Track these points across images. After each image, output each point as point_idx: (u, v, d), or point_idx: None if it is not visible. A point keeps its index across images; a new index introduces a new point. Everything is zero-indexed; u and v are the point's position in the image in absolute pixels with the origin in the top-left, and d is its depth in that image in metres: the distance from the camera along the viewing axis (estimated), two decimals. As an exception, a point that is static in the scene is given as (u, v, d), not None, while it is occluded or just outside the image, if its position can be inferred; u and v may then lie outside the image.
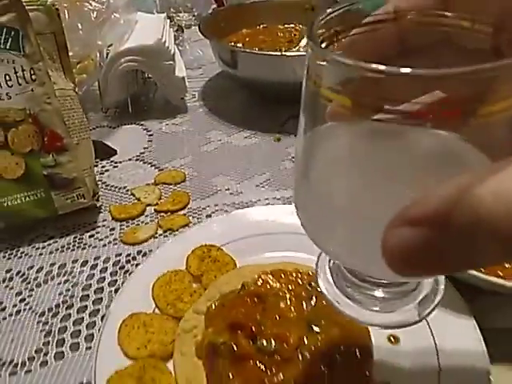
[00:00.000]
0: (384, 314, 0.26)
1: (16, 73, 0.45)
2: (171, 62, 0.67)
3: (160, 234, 0.50)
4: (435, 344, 0.36)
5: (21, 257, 0.47)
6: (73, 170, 0.47)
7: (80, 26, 0.58)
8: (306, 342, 0.34)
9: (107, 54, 0.68)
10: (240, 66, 0.68)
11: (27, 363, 0.37)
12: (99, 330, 0.39)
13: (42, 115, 0.46)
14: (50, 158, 0.47)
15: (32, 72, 0.45)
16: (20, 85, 0.45)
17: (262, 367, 0.32)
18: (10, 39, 0.45)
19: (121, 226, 0.51)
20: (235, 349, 0.33)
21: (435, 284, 0.26)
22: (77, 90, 0.52)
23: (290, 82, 0.67)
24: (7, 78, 0.45)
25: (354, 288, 0.26)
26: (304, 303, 0.38)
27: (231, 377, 0.32)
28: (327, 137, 0.23)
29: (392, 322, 0.26)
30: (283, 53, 0.64)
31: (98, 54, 0.66)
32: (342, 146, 0.23)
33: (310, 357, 0.33)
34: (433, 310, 0.26)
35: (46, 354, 0.38)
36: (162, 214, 0.53)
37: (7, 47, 0.45)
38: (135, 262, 0.46)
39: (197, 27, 0.80)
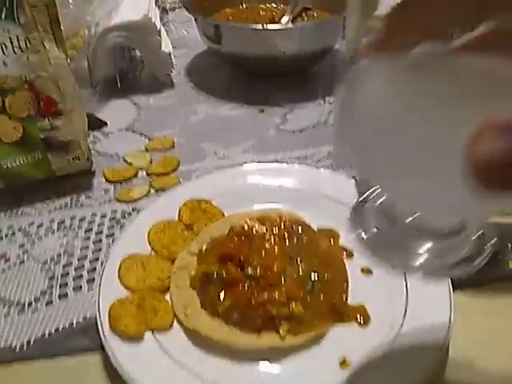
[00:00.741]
0: (429, 262, 0.25)
1: (12, 42, 0.48)
2: (158, 38, 0.70)
3: (152, 194, 0.53)
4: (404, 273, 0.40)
5: (21, 215, 0.50)
6: (68, 133, 0.50)
7: (71, 1, 0.61)
8: (288, 271, 0.38)
9: (95, 30, 0.70)
10: (224, 42, 0.71)
11: (33, 303, 0.41)
12: (100, 273, 0.43)
13: (37, 82, 0.49)
14: (46, 122, 0.50)
15: (27, 41, 0.48)
16: (16, 53, 0.48)
17: (249, 291, 0.36)
18: (5, 10, 0.48)
19: (115, 187, 0.54)
20: (225, 276, 0.36)
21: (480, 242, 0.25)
22: (68, 61, 0.55)
23: (272, 57, 0.71)
24: (3, 46, 0.48)
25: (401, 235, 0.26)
26: (286, 242, 0.42)
27: (222, 299, 0.36)
28: (372, 72, 0.22)
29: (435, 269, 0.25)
30: (265, 26, 0.67)
31: (87, 31, 0.68)
32: (394, 81, 0.22)
33: (292, 282, 0.37)
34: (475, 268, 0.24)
35: (50, 295, 0.41)
36: (153, 176, 0.56)
37: (2, 17, 0.48)
38: (131, 218, 0.50)
39: (181, 8, 0.82)
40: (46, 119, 0.49)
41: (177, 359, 0.33)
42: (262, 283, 0.36)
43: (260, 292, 0.36)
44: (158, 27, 0.71)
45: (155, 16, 0.73)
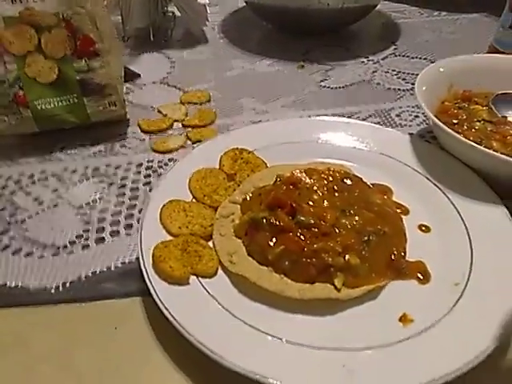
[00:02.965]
0: None
1: (48, -25, 0.45)
2: (195, -13, 0.67)
3: (189, 145, 0.51)
4: (466, 228, 0.37)
5: (53, 161, 0.48)
6: (105, 75, 0.48)
7: None
8: (342, 221, 0.35)
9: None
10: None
11: (69, 246, 0.39)
12: (138, 220, 0.41)
13: (74, 19, 0.46)
14: (83, 62, 0.47)
15: (65, -26, 0.45)
16: (53, -13, 0.45)
17: (302, 237, 0.33)
18: None
19: (150, 137, 0.52)
20: (275, 222, 0.34)
21: None
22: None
23: (315, 10, 0.67)
24: (40, -21, 0.45)
25: None
26: (336, 195, 0.38)
27: (272, 245, 0.33)
28: None
29: None
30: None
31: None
32: None
33: (347, 232, 0.34)
34: None
35: (86, 239, 0.39)
36: (189, 128, 0.54)
37: None
38: (167, 167, 0.47)
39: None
40: (83, 60, 0.47)
41: (224, 305, 0.31)
42: (314, 232, 0.33)
43: (313, 240, 0.33)
44: (196, -24, 0.67)
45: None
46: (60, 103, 0.47)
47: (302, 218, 0.34)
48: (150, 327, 0.32)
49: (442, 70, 0.49)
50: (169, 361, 0.31)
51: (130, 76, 0.63)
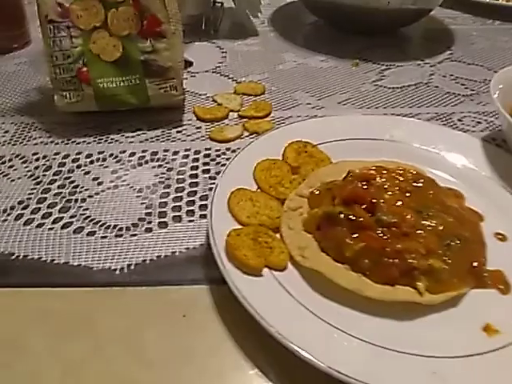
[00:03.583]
0: None
1: (120, -49, 0.44)
2: (252, -23, 0.66)
3: (246, 136, 0.49)
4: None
5: (111, 142, 0.48)
6: (169, 58, 0.47)
7: None
8: (422, 223, 0.33)
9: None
10: (321, -13, 0.66)
11: (131, 228, 0.38)
12: (199, 207, 0.40)
13: (143, -2, 0.45)
14: (148, 43, 0.46)
15: (137, -49, 0.44)
16: (124, -36, 0.44)
17: (383, 236, 0.32)
18: None
19: (206, 126, 0.51)
20: (354, 218, 0.32)
21: None
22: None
23: (372, 9, 0.65)
24: (112, -45, 0.44)
25: None
26: (409, 195, 0.37)
27: (351, 241, 0.31)
28: None
29: None
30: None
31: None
32: None
33: (428, 235, 0.33)
34: None
35: (149, 223, 0.38)
36: (245, 119, 0.52)
37: None
38: (225, 157, 0.46)
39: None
40: (148, 40, 0.46)
41: (299, 299, 0.30)
42: (394, 232, 0.32)
43: (395, 240, 0.31)
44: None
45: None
46: (122, 83, 0.47)
47: (384, 217, 0.32)
48: (219, 316, 0.31)
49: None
50: (239, 351, 0.29)
51: (184, 63, 0.62)
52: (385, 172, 0.39)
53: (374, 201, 0.33)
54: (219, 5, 0.79)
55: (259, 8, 0.71)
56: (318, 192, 0.38)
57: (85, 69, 0.45)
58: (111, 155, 0.46)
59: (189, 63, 0.63)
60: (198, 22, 0.72)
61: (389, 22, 0.70)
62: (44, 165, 0.44)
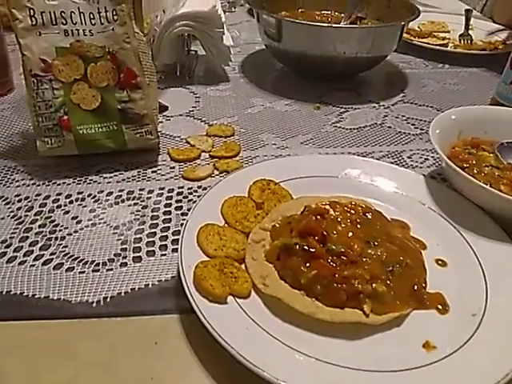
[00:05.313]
0: None
1: (99, 13, 0.50)
2: (222, 30, 0.72)
3: (217, 174, 0.54)
4: (480, 264, 0.40)
5: (90, 183, 0.51)
6: (144, 106, 0.52)
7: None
8: (368, 251, 0.38)
9: (160, 19, 0.72)
10: (284, 39, 0.73)
11: (108, 263, 0.41)
12: (172, 242, 0.43)
13: (120, 53, 0.50)
14: (125, 93, 0.51)
15: (114, 13, 0.50)
16: (102, 24, 0.50)
17: (333, 264, 0.36)
18: (95, -18, 0.50)
19: (180, 166, 0.55)
20: (308, 248, 0.36)
21: None
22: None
23: (331, 57, 0.72)
24: (91, 16, 0.49)
25: None
26: (359, 227, 0.41)
27: (305, 270, 0.35)
28: None
29: None
30: (331, 24, 0.69)
31: (155, 17, 0.70)
32: None
33: (372, 262, 0.37)
34: None
35: (124, 258, 0.42)
36: (216, 159, 0.57)
37: (92, -11, 0.49)
38: (197, 194, 0.50)
39: (232, 11, 0.83)
40: (125, 91, 0.51)
41: (259, 324, 0.33)
42: (343, 260, 0.36)
43: (343, 267, 0.36)
44: (223, 20, 0.73)
45: (220, 10, 0.74)
46: (101, 129, 0.51)
47: (333, 247, 0.36)
48: (189, 343, 0.34)
49: (453, 117, 0.54)
50: (207, 376, 0.32)
51: (159, 108, 0.67)
52: (338, 206, 0.44)
53: (325, 233, 0.37)
54: (193, 52, 0.86)
55: (229, 57, 0.78)
56: (278, 225, 0.42)
57: (66, 117, 0.50)
58: (90, 195, 0.49)
59: (164, 107, 0.68)
60: (173, 69, 0.78)
61: (347, 68, 0.77)
62: (26, 206, 0.47)
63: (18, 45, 0.48)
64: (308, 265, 0.36)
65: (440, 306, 0.37)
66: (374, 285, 0.35)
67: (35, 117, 0.49)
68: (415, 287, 0.37)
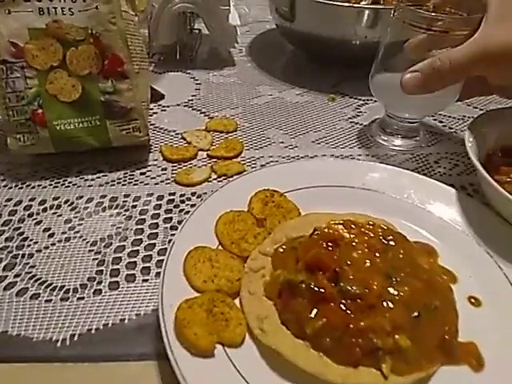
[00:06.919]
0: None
1: (81, -13, 0.42)
2: (227, 7, 0.64)
3: (214, 179, 0.47)
4: (524, 308, 0.33)
5: (68, 186, 0.45)
6: (131, 99, 0.44)
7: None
8: (389, 291, 0.31)
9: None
10: (298, 18, 0.64)
11: (79, 290, 0.35)
12: (156, 263, 0.37)
13: (104, 36, 0.43)
14: (109, 83, 0.44)
15: (98, -12, 0.42)
16: (84, 1, 0.42)
17: (346, 311, 0.29)
18: (76, -49, 0.42)
19: (173, 167, 0.48)
20: (317, 289, 0.30)
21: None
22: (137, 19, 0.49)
23: (348, 41, 0.64)
24: (71, -8, 0.42)
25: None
26: (378, 255, 0.35)
27: (313, 316, 0.29)
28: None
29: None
30: (351, 4, 0.60)
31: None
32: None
33: (395, 306, 0.30)
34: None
35: (99, 283, 0.35)
36: (215, 159, 0.50)
37: (73, -41, 0.42)
38: (190, 203, 0.44)
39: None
40: (110, 80, 0.44)
41: (250, 382, 0.27)
42: (359, 304, 0.30)
43: (359, 314, 0.29)
44: (229, -4, 0.64)
45: (226, -16, 0.66)
46: (81, 124, 0.44)
47: (348, 288, 0.30)
48: (167, 400, 0.28)
49: (491, 118, 0.46)
50: None
51: (154, 96, 0.60)
52: (354, 227, 0.37)
53: (337, 269, 0.31)
54: (197, 31, 0.78)
55: (235, 38, 0.69)
56: (282, 250, 0.36)
57: (40, 111, 0.43)
58: (66, 202, 0.43)
59: (160, 96, 0.61)
60: (172, 51, 0.70)
61: (367, 54, 0.68)
62: (-7, 213, 0.41)
63: (-16, 24, 0.41)
64: (316, 310, 0.29)
65: (474, 361, 0.30)
66: (396, 337, 0.29)
67: (5, 110, 0.42)
68: (445, 337, 0.30)
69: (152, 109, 0.58)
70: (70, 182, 0.45)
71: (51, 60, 0.43)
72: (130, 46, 0.44)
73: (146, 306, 0.34)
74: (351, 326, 0.28)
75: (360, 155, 0.52)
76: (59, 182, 0.45)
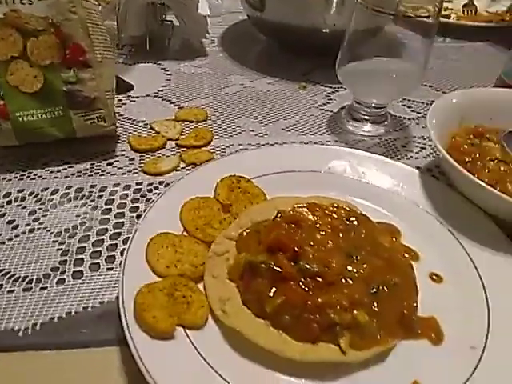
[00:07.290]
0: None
1: (39, -25, 0.41)
2: (196, -3, 0.64)
3: (183, 168, 0.47)
4: (481, 280, 0.34)
5: (34, 178, 0.44)
6: (95, 88, 0.44)
7: None
8: (349, 269, 0.32)
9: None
10: (268, 8, 0.64)
11: (42, 280, 0.35)
12: (121, 252, 0.37)
13: (65, 25, 0.42)
14: (72, 73, 0.43)
15: (57, -24, 0.41)
16: (43, -11, 0.42)
17: (305, 288, 0.30)
18: None
19: (141, 156, 0.48)
20: (276, 269, 0.30)
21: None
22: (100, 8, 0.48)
23: (317, 29, 0.64)
24: (29, -20, 0.41)
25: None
26: (341, 235, 0.35)
27: (272, 295, 0.29)
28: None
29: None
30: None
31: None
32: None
33: (354, 283, 0.31)
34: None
35: (63, 273, 0.35)
36: (184, 149, 0.50)
37: None
38: (157, 192, 0.43)
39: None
40: (72, 70, 0.43)
41: (212, 364, 0.27)
42: (318, 282, 0.30)
43: (317, 292, 0.29)
44: (198, -14, 0.64)
45: (195, -26, 0.66)
46: (44, 115, 0.43)
47: (307, 266, 0.30)
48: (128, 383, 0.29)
49: (454, 101, 0.47)
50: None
51: (123, 87, 0.59)
52: (318, 209, 0.38)
53: (298, 248, 0.31)
54: (168, 23, 0.77)
55: (206, 28, 0.69)
56: (246, 234, 0.36)
57: (1, 102, 0.42)
58: (31, 194, 0.42)
59: (129, 87, 0.60)
60: (142, 42, 0.69)
61: (336, 42, 0.69)
62: (-45, 207, 0.41)
63: None
64: (275, 289, 0.30)
65: (433, 335, 0.31)
66: (354, 312, 0.29)
67: (-36, 102, 0.42)
68: (404, 313, 0.31)
69: (121, 100, 0.58)
70: (35, 174, 0.45)
71: (11, 51, 0.42)
72: (91, 35, 0.43)
73: (110, 294, 0.34)
74: (309, 302, 0.29)
75: (329, 141, 0.53)
76: (24, 175, 0.45)
